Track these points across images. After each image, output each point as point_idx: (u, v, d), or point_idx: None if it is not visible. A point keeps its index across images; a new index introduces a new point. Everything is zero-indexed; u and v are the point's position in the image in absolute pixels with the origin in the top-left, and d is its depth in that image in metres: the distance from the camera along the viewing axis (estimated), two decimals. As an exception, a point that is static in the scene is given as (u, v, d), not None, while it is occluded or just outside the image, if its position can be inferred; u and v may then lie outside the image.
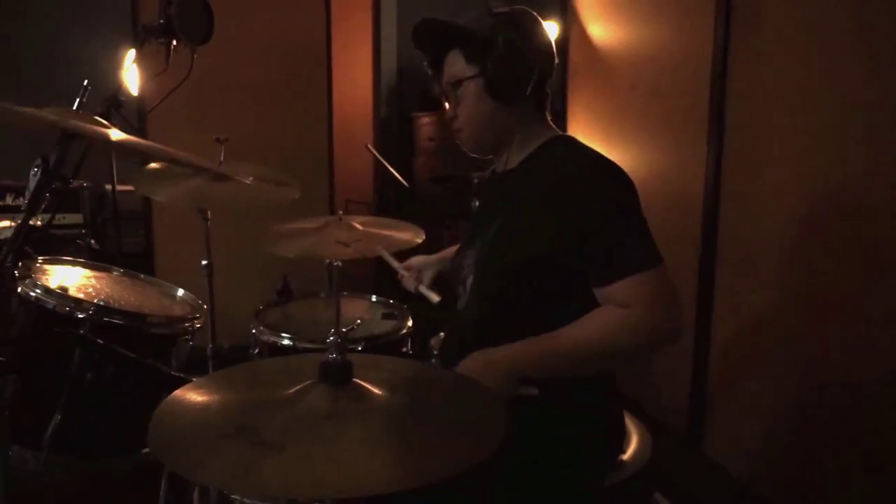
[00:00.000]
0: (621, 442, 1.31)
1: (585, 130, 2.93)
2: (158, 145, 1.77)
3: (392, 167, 2.81)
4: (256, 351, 1.86)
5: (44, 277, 1.39)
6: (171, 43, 2.12)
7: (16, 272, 1.30)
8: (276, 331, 1.82)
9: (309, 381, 0.94)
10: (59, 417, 1.31)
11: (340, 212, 2.01)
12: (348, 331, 0.95)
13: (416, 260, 1.64)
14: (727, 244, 2.19)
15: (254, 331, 1.86)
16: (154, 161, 1.76)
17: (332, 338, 0.93)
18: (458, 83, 1.21)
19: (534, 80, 1.16)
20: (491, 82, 1.16)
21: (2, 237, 2.60)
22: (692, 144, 2.28)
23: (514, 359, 1.11)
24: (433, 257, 1.64)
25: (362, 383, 0.95)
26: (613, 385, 1.29)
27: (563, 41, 3.13)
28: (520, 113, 1.23)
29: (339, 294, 0.92)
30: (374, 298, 2.15)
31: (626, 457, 1.29)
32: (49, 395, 1.31)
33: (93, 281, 1.53)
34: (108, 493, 1.63)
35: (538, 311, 1.17)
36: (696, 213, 2.26)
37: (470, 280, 1.25)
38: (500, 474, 1.11)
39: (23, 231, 1.16)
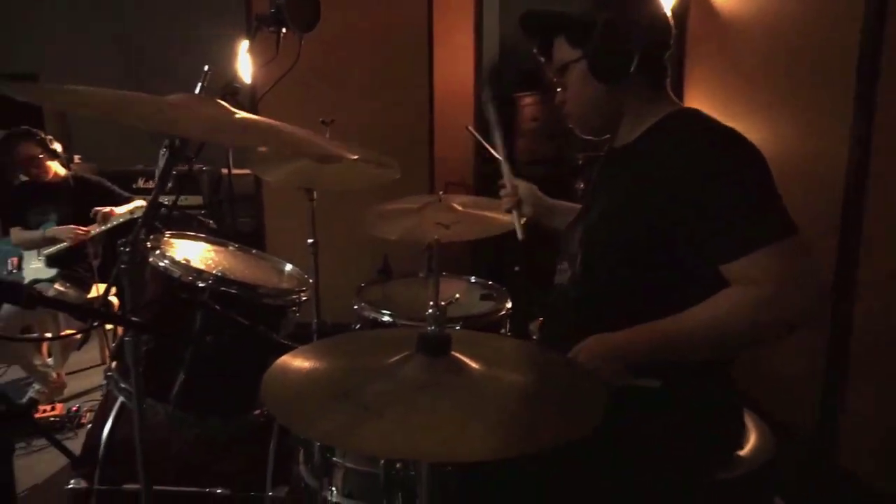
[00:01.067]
0: (739, 438, 1.24)
1: (704, 105, 2.73)
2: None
3: (493, 149, 2.80)
4: (358, 326, 1.94)
5: (170, 250, 1.51)
6: (280, 31, 2.23)
7: (148, 244, 1.43)
8: (377, 308, 1.87)
9: (407, 352, 0.97)
10: (183, 376, 1.44)
11: (441, 192, 2.04)
12: (447, 304, 0.96)
13: (525, 187, 1.58)
14: (873, 231, 1.95)
15: (355, 307, 1.93)
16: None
17: (431, 311, 0.94)
18: (564, 68, 1.22)
19: (637, 58, 1.12)
20: (593, 64, 1.15)
21: (136, 216, 2.87)
22: (833, 120, 2.04)
23: (633, 342, 1.08)
24: (544, 197, 1.58)
25: (460, 356, 0.96)
26: (731, 376, 1.22)
27: (681, 8, 2.93)
28: (630, 91, 1.19)
29: (438, 271, 0.94)
30: (472, 279, 2.16)
31: (743, 453, 1.22)
32: (175, 355, 1.44)
33: (212, 254, 1.65)
34: (221, 449, 1.77)
35: (648, 293, 1.12)
36: (835, 198, 2.02)
37: (578, 257, 1.22)
38: (607, 460, 1.10)
39: (154, 207, 1.27)
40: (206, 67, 1.34)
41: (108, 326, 3.05)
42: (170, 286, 1.42)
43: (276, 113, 3.10)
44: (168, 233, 1.60)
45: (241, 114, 1.17)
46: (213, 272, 1.43)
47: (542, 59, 1.29)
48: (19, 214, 3.00)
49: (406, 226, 1.96)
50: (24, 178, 3.00)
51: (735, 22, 2.68)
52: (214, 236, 1.96)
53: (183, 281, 1.40)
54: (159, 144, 1.33)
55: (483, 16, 3.71)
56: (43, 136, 2.96)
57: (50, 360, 3.07)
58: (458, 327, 1.77)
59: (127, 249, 1.17)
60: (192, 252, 1.60)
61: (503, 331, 1.93)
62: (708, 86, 2.83)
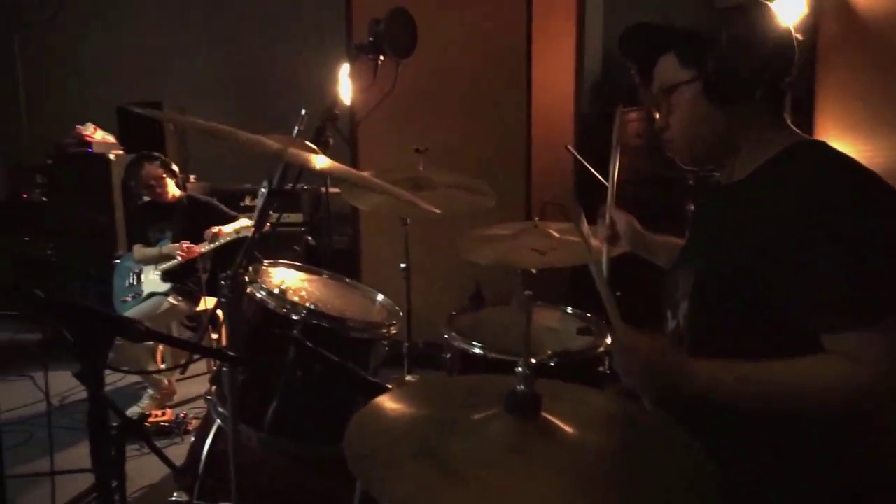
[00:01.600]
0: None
1: (839, 123, 2.48)
2: (359, 174, 1.88)
3: (594, 168, 2.68)
4: (448, 356, 1.89)
5: (267, 280, 1.55)
6: (378, 58, 2.26)
7: (247, 276, 1.47)
8: (468, 338, 1.83)
9: (496, 410, 0.91)
10: (275, 404, 1.46)
11: (536, 218, 1.96)
12: (537, 363, 0.89)
13: (624, 221, 1.46)
14: None
15: (446, 336, 1.90)
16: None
17: (519, 369, 0.88)
18: (671, 89, 1.09)
19: (764, 80, 1.00)
20: (710, 85, 1.02)
21: (242, 235, 3.01)
22: None
23: (712, 372, 0.97)
24: (644, 233, 1.46)
25: (551, 418, 0.89)
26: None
27: (814, 14, 2.66)
28: (746, 119, 1.06)
29: (530, 306, 0.86)
30: (568, 310, 2.06)
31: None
32: (269, 384, 1.47)
33: (306, 284, 1.68)
34: (312, 476, 1.78)
35: (757, 354, 1.00)
36: None
37: (684, 306, 1.11)
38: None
39: (253, 243, 1.30)
40: (302, 111, 1.36)
41: (214, 336, 3.23)
42: (265, 317, 1.45)
43: (375, 137, 3.19)
44: (266, 262, 1.64)
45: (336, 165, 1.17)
46: (306, 305, 1.44)
47: (639, 80, 1.17)
48: (141, 232, 3.25)
49: (500, 251, 1.91)
50: (146, 198, 3.23)
51: (879, 22, 2.39)
52: (312, 254, 2.01)
53: (277, 313, 1.43)
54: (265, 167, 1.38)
55: (585, 26, 3.58)
56: (164, 158, 3.19)
57: (163, 366, 3.28)
58: (552, 364, 1.69)
59: (227, 282, 1.20)
60: (288, 282, 1.63)
61: (602, 368, 1.82)
62: (843, 99, 2.55)
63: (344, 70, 2.26)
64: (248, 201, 4.24)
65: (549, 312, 2.07)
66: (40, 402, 3.08)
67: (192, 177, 4.29)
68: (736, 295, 1.02)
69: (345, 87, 2.25)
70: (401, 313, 1.70)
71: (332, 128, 2.38)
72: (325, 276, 1.77)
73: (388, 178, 1.77)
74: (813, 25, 2.63)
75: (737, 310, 1.02)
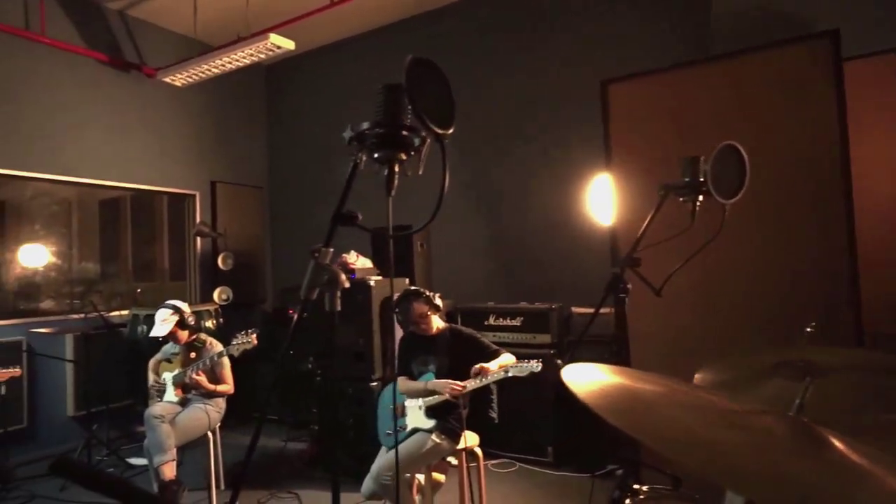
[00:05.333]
0: None
1: None
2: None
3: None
4: None
5: None
6: (696, 199, 1.99)
7: None
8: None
9: None
10: None
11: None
12: None
13: None
14: None
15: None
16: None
17: None
18: None
19: None
20: None
21: (510, 373, 2.86)
22: None
23: None
24: None
25: None
26: None
27: None
28: None
29: None
30: None
31: None
32: None
33: None
34: None
35: None
36: None
37: None
38: None
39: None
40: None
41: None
42: None
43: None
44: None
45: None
46: None
47: None
48: (405, 364, 3.26)
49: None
50: (411, 329, 3.26)
51: None
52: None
53: None
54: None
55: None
56: (429, 294, 3.21)
57: (418, 499, 3.18)
58: None
59: None
60: None
61: None
62: None
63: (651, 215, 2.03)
64: (491, 320, 4.17)
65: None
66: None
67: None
68: None
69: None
70: None
71: (633, 274, 2.13)
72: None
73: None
74: None
75: None
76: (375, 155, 1.39)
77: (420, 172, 1.42)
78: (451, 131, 1.36)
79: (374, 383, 3.99)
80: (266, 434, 5.05)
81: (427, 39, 5.63)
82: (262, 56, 5.07)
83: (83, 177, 5.36)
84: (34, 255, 6.11)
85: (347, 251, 4.34)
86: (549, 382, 3.94)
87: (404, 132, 1.36)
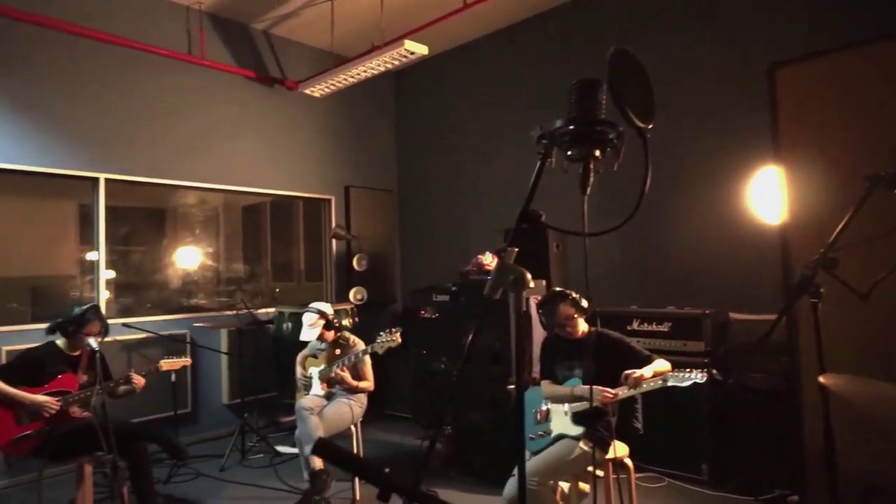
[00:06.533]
0: None
1: None
2: None
3: None
4: None
5: None
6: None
7: None
8: None
9: None
10: None
11: None
12: None
13: None
14: None
15: None
16: None
17: None
18: None
19: None
20: None
21: (669, 383, 2.71)
22: None
23: None
24: None
25: None
26: None
27: None
28: None
29: None
30: None
31: None
32: None
33: None
34: None
35: None
36: None
37: None
38: None
39: None
40: None
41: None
42: None
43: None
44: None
45: None
46: None
47: None
48: (548, 368, 3.19)
49: None
50: (557, 332, 3.19)
51: None
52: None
53: None
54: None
55: None
56: (575, 296, 3.12)
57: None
58: None
59: None
60: None
61: None
62: None
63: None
64: (634, 325, 4.00)
65: None
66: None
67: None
68: None
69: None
70: None
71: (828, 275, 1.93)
72: None
73: None
74: None
75: None
76: (569, 152, 1.34)
77: (615, 169, 1.36)
78: (651, 126, 1.29)
79: (512, 386, 3.96)
80: (401, 432, 5.19)
81: (557, 35, 5.53)
82: (396, 63, 5.22)
83: (233, 184, 5.79)
84: (191, 258, 6.72)
85: (483, 252, 4.36)
86: (704, 394, 3.71)
87: (599, 128, 1.31)
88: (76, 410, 3.40)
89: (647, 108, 1.25)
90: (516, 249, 1.43)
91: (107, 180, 4.95)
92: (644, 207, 1.27)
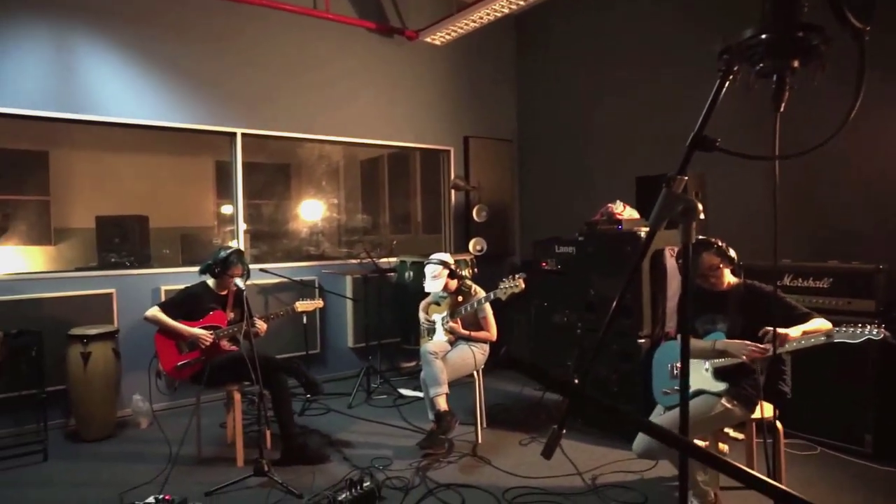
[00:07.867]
0: None
1: None
2: None
3: None
4: None
5: None
6: None
7: None
8: None
9: None
10: None
11: None
12: None
13: None
14: None
15: None
16: None
17: None
18: None
19: None
20: None
21: (819, 341, 2.44)
22: None
23: None
24: None
25: None
26: None
27: None
28: None
29: None
30: None
31: None
32: None
33: None
34: None
35: None
36: None
37: None
38: None
39: None
40: None
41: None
42: None
43: None
44: None
45: None
46: None
47: None
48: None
49: None
50: (698, 283, 2.98)
51: None
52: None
53: None
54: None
55: None
56: (722, 245, 2.89)
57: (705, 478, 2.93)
58: None
59: None
60: None
61: None
62: None
63: None
64: (786, 281, 3.65)
65: None
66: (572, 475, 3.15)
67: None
68: None
69: None
70: None
71: None
72: None
73: None
74: None
75: None
76: (759, 66, 1.17)
77: (815, 83, 1.17)
78: (869, 27, 1.09)
79: (642, 340, 3.79)
80: (521, 383, 5.19)
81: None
82: (520, 4, 5.00)
83: (355, 136, 5.91)
84: (314, 210, 7.02)
85: (613, 201, 4.15)
86: (869, 358, 3.33)
87: (800, 34, 1.12)
88: (226, 344, 3.71)
89: (867, 3, 1.05)
90: (686, 177, 1.29)
91: (243, 135, 5.21)
92: (798, 145, 1.08)
